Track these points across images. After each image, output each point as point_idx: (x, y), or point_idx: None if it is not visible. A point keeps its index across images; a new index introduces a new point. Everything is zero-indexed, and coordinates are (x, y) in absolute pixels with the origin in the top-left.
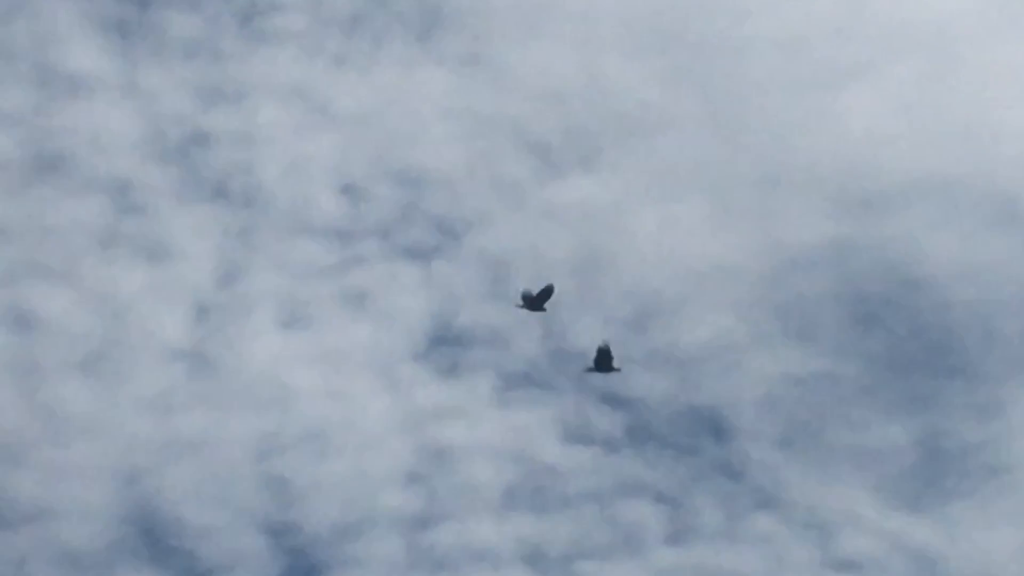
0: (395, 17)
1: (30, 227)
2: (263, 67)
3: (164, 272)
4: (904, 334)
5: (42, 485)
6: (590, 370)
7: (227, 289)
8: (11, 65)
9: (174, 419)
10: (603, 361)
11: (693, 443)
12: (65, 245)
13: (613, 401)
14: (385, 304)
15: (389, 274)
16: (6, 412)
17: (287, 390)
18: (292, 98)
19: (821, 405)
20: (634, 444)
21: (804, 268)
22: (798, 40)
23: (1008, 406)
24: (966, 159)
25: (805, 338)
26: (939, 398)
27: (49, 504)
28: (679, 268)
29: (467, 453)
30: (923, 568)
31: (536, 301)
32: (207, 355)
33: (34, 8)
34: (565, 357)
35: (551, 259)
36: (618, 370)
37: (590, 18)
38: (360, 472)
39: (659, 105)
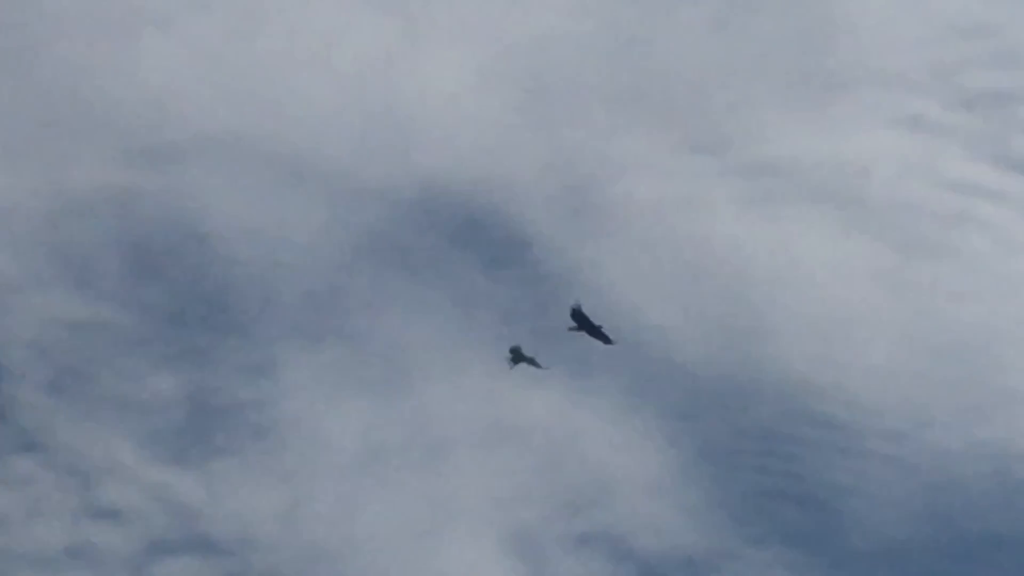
0: None
1: None
2: None
3: None
4: (183, 287)
5: None
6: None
7: None
8: None
9: None
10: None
11: None
12: None
13: None
14: None
15: None
16: None
17: None
18: None
19: (93, 352)
20: None
21: (85, 213)
22: None
23: (280, 367)
24: (257, 118)
25: (81, 284)
26: (212, 354)
27: None
28: None
29: None
30: (184, 521)
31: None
32: None
33: None
34: None
35: None
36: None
37: None
38: None
39: None
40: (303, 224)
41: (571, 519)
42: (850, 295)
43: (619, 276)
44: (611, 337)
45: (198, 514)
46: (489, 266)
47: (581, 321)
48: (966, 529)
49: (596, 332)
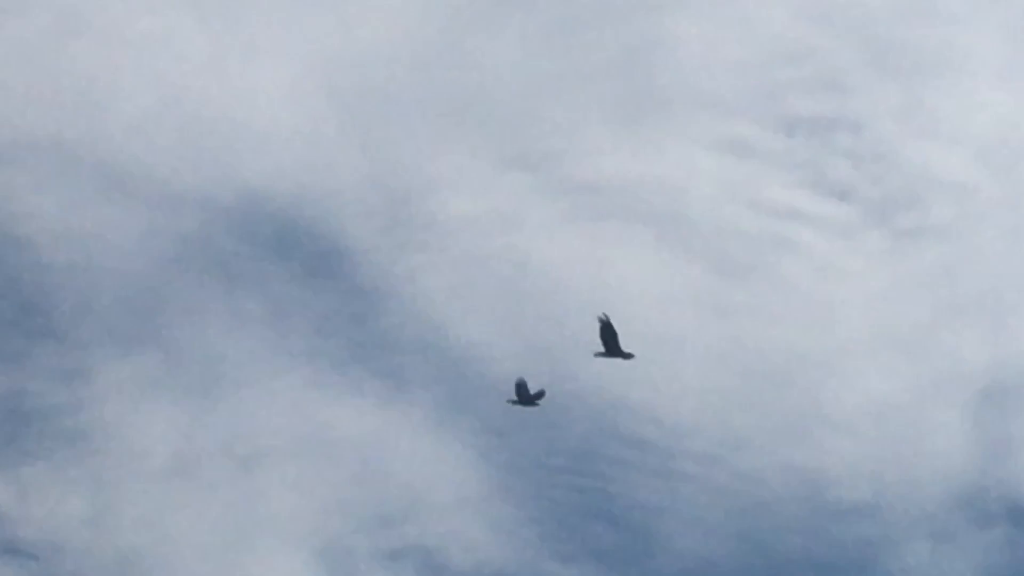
0: None
1: None
2: None
3: None
4: None
5: None
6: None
7: None
8: None
9: None
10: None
11: None
12: None
13: None
14: None
15: None
16: None
17: None
18: None
19: None
20: None
21: None
22: None
23: (94, 372)
24: (76, 122)
25: None
26: (26, 358)
27: None
28: None
29: None
30: None
31: (528, 398)
32: None
33: None
34: None
35: None
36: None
37: None
38: None
39: None
40: (120, 229)
41: (383, 533)
42: (665, 315)
43: (435, 290)
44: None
45: (6, 518)
46: (306, 277)
47: (607, 337)
48: (776, 551)
49: (618, 351)
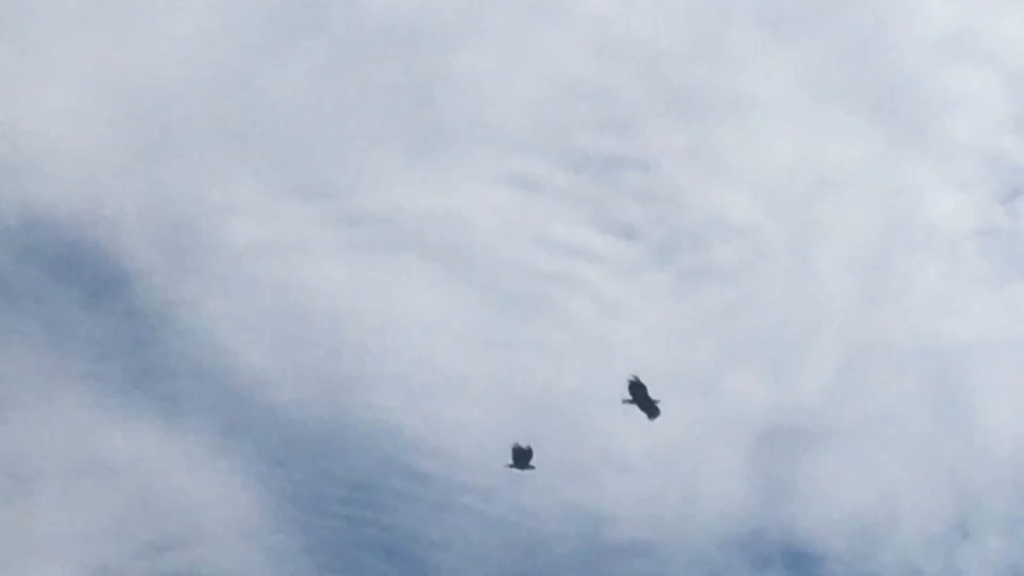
0: None
1: None
2: None
3: None
4: None
5: None
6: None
7: None
8: None
9: None
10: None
11: None
12: None
13: None
14: None
15: None
16: None
17: None
18: None
19: None
20: None
21: None
22: None
23: None
24: None
25: None
26: None
27: None
28: None
29: None
30: None
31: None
32: None
33: None
34: None
35: None
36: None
37: None
38: None
39: None
40: None
41: (157, 558)
42: (447, 348)
43: (217, 316)
44: (658, 410)
45: None
46: (87, 299)
47: (636, 393)
48: None
49: (647, 405)
